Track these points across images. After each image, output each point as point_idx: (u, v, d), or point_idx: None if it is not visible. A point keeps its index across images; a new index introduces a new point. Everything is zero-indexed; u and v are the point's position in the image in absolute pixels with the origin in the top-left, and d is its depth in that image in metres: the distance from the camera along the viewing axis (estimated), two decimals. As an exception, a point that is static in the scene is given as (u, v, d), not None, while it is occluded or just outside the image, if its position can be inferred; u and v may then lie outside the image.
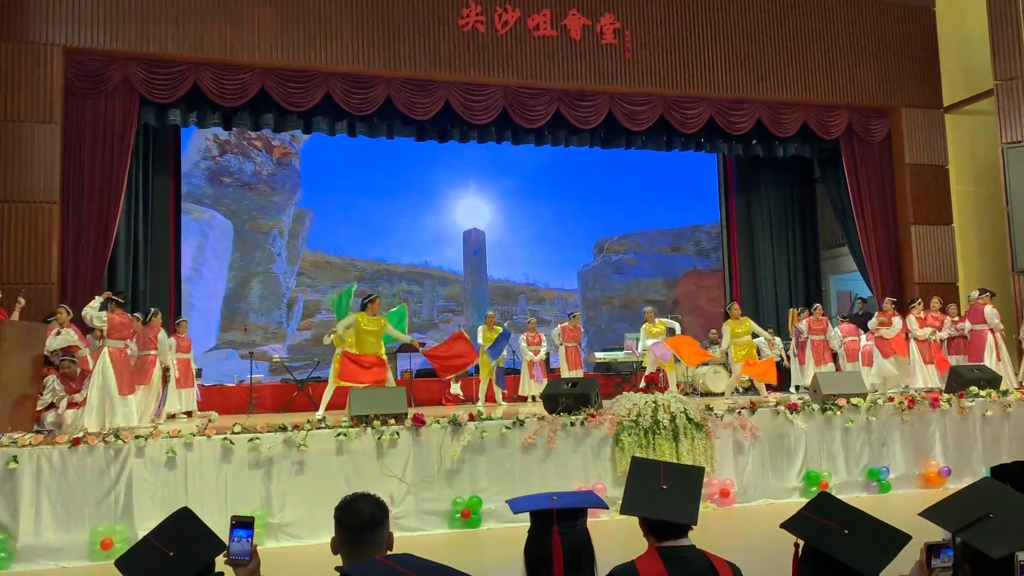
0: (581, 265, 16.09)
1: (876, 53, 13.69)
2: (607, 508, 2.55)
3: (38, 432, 7.53)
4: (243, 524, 2.32)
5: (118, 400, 8.40)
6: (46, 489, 6.76)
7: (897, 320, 11.38)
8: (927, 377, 11.10)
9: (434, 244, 15.17)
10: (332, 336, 9.82)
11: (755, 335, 11.32)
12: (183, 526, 2.34)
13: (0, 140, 10.13)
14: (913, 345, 11.34)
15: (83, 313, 8.57)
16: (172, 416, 10.33)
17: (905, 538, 2.09)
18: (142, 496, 6.92)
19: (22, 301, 9.04)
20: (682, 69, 12.76)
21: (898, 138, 13.82)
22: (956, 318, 11.92)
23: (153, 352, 9.73)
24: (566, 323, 12.46)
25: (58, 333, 9.01)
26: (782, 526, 2.17)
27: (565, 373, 11.88)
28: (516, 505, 2.61)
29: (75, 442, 6.87)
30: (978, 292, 11.49)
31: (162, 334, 9.88)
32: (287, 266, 14.69)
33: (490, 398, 11.36)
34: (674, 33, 12.77)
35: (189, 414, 10.69)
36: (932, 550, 2.02)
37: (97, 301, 8.63)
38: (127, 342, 8.91)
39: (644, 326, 12.37)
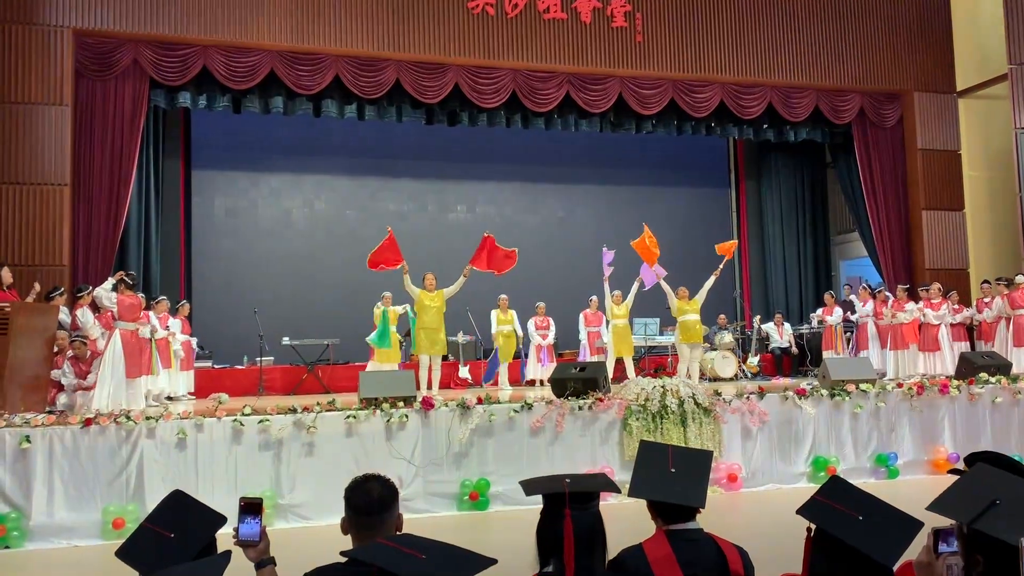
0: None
1: (889, 37, 13.55)
2: (619, 492, 2.53)
3: (50, 412, 7.59)
4: (252, 506, 2.33)
5: (126, 382, 8.47)
6: (58, 469, 6.82)
7: (910, 306, 11.30)
8: (929, 363, 11.05)
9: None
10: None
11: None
12: (178, 507, 2.34)
13: (11, 122, 10.18)
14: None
15: (95, 294, 8.62)
16: (171, 398, 10.32)
17: (918, 525, 2.08)
18: (153, 477, 6.97)
19: (37, 287, 9.08)
20: (693, 52, 12.67)
21: (910, 123, 13.71)
22: (956, 305, 11.81)
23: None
24: (587, 310, 12.30)
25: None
26: (798, 512, 2.17)
27: (590, 359, 11.61)
28: (528, 487, 2.60)
29: (87, 422, 6.92)
30: None
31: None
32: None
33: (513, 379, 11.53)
34: (685, 16, 12.68)
35: (192, 395, 10.78)
36: (939, 535, 2.02)
37: (109, 283, 8.67)
38: (138, 324, 8.95)
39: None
